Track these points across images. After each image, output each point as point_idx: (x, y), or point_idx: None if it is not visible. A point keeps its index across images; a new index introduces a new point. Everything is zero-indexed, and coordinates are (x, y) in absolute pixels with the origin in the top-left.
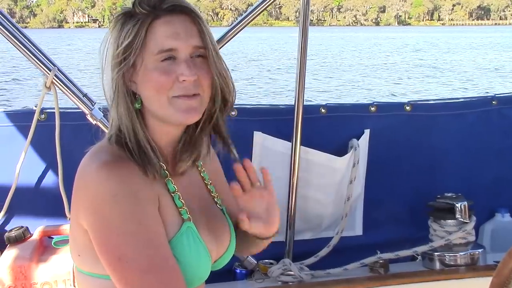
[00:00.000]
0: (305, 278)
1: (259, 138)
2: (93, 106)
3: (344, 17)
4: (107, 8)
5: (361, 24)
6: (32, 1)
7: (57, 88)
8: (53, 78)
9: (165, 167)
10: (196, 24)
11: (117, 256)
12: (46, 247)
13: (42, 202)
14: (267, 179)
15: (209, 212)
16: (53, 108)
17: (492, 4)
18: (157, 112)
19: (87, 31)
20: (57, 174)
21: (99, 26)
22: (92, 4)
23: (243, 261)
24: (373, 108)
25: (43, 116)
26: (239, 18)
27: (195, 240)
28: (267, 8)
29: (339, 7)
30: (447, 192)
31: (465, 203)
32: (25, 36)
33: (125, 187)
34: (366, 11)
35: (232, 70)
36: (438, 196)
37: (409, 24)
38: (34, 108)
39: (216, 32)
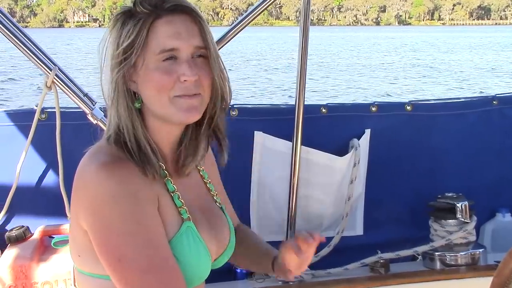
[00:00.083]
0: (305, 277)
1: (260, 138)
2: (93, 105)
3: (345, 17)
4: (108, 8)
5: (362, 24)
6: (33, 1)
7: (57, 87)
8: (54, 78)
9: (164, 167)
10: (197, 24)
11: (117, 257)
12: (46, 247)
13: (43, 201)
14: (310, 245)
15: (209, 211)
16: (54, 108)
17: (492, 4)
18: (158, 111)
19: (87, 30)
20: (57, 173)
21: (99, 26)
22: (93, 3)
23: None
24: (374, 108)
25: (43, 115)
26: (240, 18)
27: (195, 240)
28: (267, 8)
29: (340, 6)
30: (448, 192)
31: (466, 203)
32: (25, 36)
33: (124, 188)
34: (366, 10)
35: (230, 70)
36: (439, 196)
37: (410, 24)
38: (35, 107)
39: (216, 32)
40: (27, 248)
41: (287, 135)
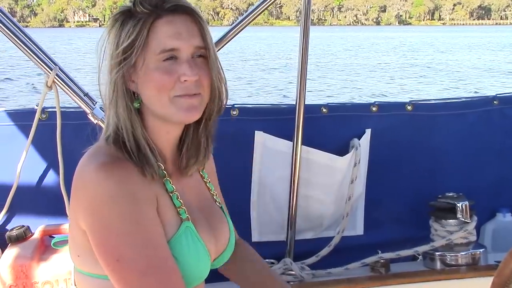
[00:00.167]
0: (306, 277)
1: (260, 138)
2: (94, 105)
3: (345, 17)
4: (108, 8)
5: (362, 24)
6: (33, 0)
7: (58, 87)
8: (55, 77)
9: (163, 167)
10: (198, 24)
11: (115, 257)
12: (47, 246)
13: (43, 201)
14: None
15: (208, 211)
16: (54, 108)
17: (492, 4)
18: (158, 111)
19: (87, 30)
20: (58, 173)
21: (99, 26)
22: (93, 3)
23: None
24: (374, 107)
25: (44, 115)
26: (240, 18)
27: (194, 240)
28: (268, 8)
29: (340, 6)
30: (448, 192)
31: (466, 203)
32: (26, 35)
33: (123, 188)
34: (367, 10)
35: (229, 70)
36: (439, 195)
37: (410, 23)
38: (35, 107)
39: (216, 32)
40: (27, 247)
41: (288, 135)
